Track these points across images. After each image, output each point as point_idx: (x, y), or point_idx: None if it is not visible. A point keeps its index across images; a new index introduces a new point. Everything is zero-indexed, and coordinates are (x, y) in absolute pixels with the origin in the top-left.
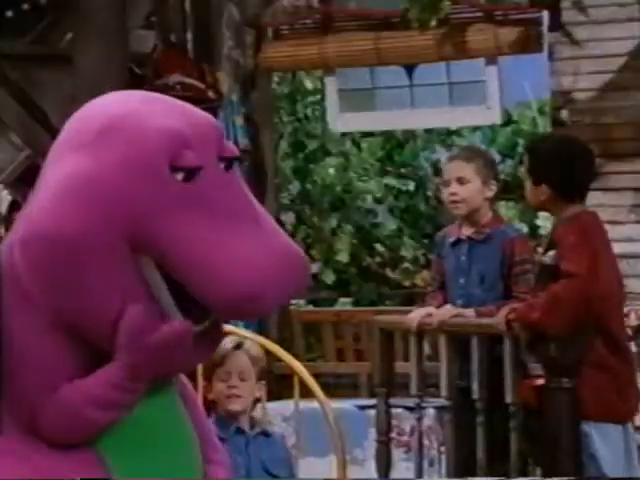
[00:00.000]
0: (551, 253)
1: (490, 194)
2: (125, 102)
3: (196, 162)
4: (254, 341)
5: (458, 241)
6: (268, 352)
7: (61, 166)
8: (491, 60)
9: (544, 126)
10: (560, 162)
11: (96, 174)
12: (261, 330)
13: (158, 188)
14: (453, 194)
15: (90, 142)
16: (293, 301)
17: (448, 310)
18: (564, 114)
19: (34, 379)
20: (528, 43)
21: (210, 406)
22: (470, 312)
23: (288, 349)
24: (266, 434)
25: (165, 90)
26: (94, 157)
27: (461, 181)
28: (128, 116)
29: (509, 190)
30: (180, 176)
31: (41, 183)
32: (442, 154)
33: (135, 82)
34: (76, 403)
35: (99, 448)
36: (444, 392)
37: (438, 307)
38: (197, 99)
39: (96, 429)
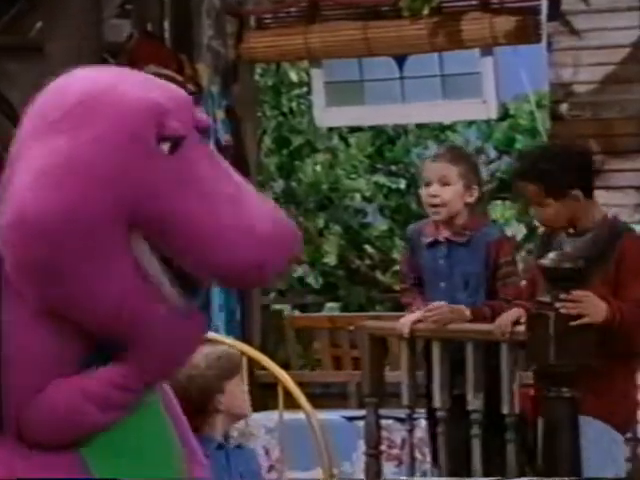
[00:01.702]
0: (552, 255)
1: (471, 200)
2: (98, 77)
3: (182, 131)
4: (235, 348)
5: (435, 242)
6: (251, 360)
7: (41, 147)
8: (486, 51)
9: (542, 121)
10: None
11: (84, 151)
12: (244, 336)
13: (149, 161)
14: (434, 196)
15: (72, 120)
16: (277, 306)
17: (441, 307)
18: (563, 108)
19: (20, 376)
20: (526, 33)
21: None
22: (465, 309)
23: (280, 357)
24: (240, 446)
25: None
26: (79, 135)
27: (443, 182)
28: (106, 90)
29: (506, 189)
30: (166, 147)
31: (18, 168)
32: (435, 150)
33: None
34: (74, 402)
35: (82, 452)
36: (437, 403)
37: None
38: None
39: (91, 430)
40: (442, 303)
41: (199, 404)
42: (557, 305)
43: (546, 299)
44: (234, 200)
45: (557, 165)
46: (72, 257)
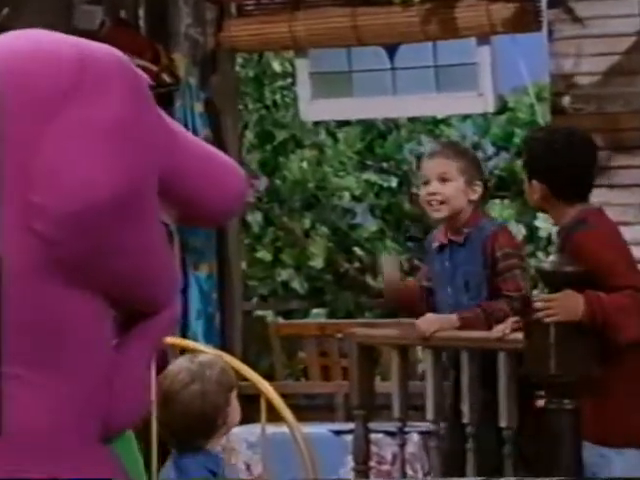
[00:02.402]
0: (552, 258)
1: (474, 197)
2: (61, 39)
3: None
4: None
5: (443, 246)
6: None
7: (67, 123)
8: (483, 40)
9: (543, 114)
10: (553, 154)
11: (119, 116)
12: (224, 345)
13: (160, 116)
14: (433, 194)
15: (84, 87)
16: (260, 312)
17: (426, 319)
18: (565, 101)
19: (87, 355)
20: (525, 21)
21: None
22: (453, 317)
23: (263, 367)
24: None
25: None
26: (103, 101)
27: (443, 179)
28: (80, 53)
29: (504, 187)
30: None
31: (42, 154)
32: (428, 146)
33: None
34: (141, 383)
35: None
36: (430, 415)
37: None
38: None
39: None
40: (428, 315)
41: (212, 420)
42: (537, 315)
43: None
44: (204, 146)
45: (538, 148)
46: (131, 228)
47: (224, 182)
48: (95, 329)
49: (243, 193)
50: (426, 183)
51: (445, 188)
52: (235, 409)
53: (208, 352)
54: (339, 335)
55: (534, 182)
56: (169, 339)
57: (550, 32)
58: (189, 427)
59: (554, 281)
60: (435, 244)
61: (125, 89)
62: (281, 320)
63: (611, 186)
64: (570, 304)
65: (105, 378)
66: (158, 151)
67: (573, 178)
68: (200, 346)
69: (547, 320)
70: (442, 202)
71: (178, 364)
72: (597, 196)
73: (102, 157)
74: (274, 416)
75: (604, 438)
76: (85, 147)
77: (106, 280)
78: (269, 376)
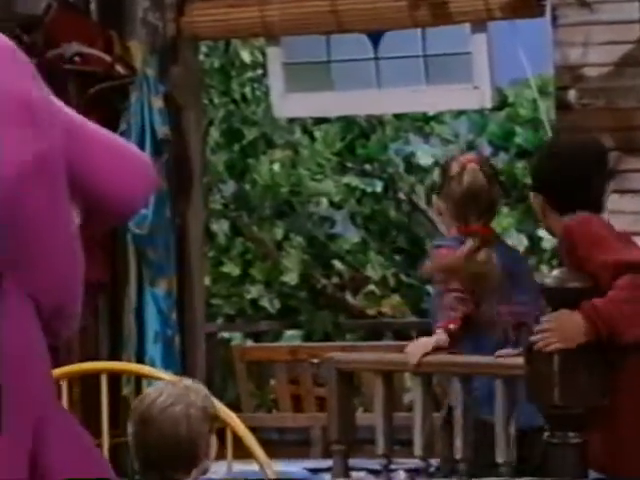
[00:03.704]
0: (555, 273)
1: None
2: None
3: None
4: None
5: None
6: None
7: None
8: (479, 27)
9: (546, 110)
10: (549, 164)
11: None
12: (186, 371)
13: (55, 102)
14: None
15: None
16: (226, 334)
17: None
18: (571, 95)
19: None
20: (526, 5)
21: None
22: (441, 336)
23: (230, 396)
24: None
25: (60, 62)
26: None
27: None
28: None
29: (503, 192)
30: None
31: None
32: (417, 146)
33: None
34: None
35: None
36: (418, 450)
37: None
38: (102, 75)
39: None
40: (421, 339)
41: (195, 448)
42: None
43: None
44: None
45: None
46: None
47: (128, 172)
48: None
49: (149, 186)
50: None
51: None
52: (214, 444)
53: (165, 379)
54: (314, 360)
55: (533, 194)
56: (122, 364)
57: (554, 18)
58: (169, 455)
59: (558, 298)
60: None
61: (26, 72)
62: (249, 343)
63: (622, 192)
64: (568, 326)
65: None
66: (59, 134)
67: (568, 190)
68: (158, 372)
69: (547, 350)
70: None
71: (158, 387)
72: (607, 203)
73: (7, 138)
74: (242, 452)
75: (613, 468)
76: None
77: (19, 259)
78: (236, 407)
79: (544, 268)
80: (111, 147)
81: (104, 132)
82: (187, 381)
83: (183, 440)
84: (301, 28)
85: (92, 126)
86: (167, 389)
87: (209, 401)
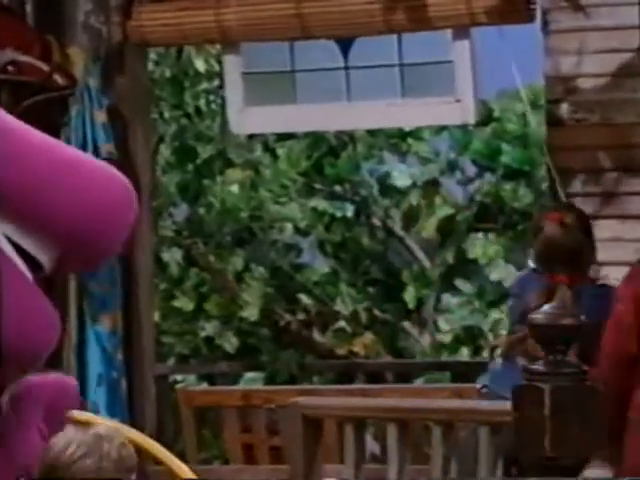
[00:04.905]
0: (546, 308)
1: None
2: None
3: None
4: (119, 435)
5: None
6: (141, 451)
7: None
8: (461, 33)
9: (537, 126)
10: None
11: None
12: (133, 419)
13: None
14: None
15: None
16: (179, 377)
17: None
18: (564, 109)
19: None
20: (514, 9)
21: None
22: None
23: (172, 446)
24: None
25: None
26: None
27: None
28: None
29: (489, 217)
30: None
31: None
32: (393, 165)
33: None
34: None
35: None
36: None
37: None
38: (38, 85)
39: None
40: None
41: None
42: None
43: (538, 367)
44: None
45: None
46: None
47: (102, 200)
48: None
49: (130, 216)
50: None
51: None
52: None
53: (109, 426)
54: (270, 405)
55: None
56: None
57: (545, 23)
58: None
59: (550, 336)
60: None
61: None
62: (205, 386)
63: (622, 217)
64: None
65: None
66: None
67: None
68: (101, 420)
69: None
70: None
71: (66, 436)
72: (605, 230)
73: None
74: None
75: None
76: None
77: None
78: (187, 459)
79: None
80: (73, 166)
81: (68, 150)
82: (99, 428)
83: None
84: (262, 34)
85: (45, 144)
86: (77, 438)
87: (126, 451)
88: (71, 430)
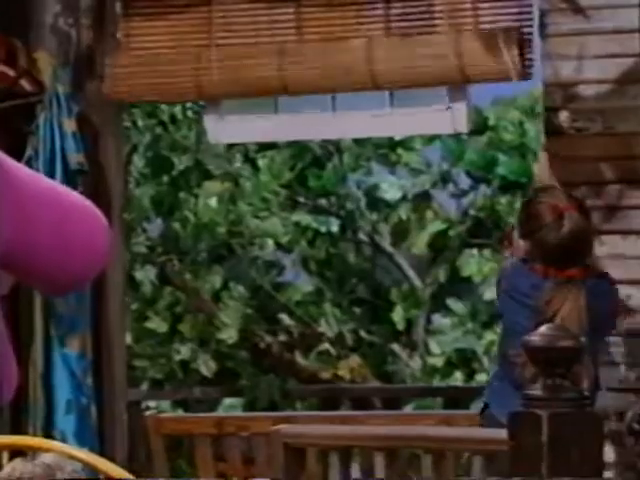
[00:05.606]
0: (543, 330)
1: None
2: None
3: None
4: (87, 465)
5: None
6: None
7: None
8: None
9: (535, 134)
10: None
11: None
12: (103, 447)
13: None
14: None
15: None
16: (152, 403)
17: None
18: (563, 118)
19: None
20: (509, 11)
21: None
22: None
23: (142, 476)
24: None
25: None
26: None
27: None
28: None
29: (484, 233)
30: None
31: None
32: (381, 177)
33: None
34: None
35: None
36: None
37: None
38: (4, 92)
39: None
40: None
41: None
42: None
43: (536, 392)
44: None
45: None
46: None
47: (79, 231)
48: None
49: (106, 246)
50: None
51: None
52: None
53: (78, 457)
54: (244, 434)
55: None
56: (26, 439)
57: (543, 26)
58: None
59: (548, 359)
60: None
61: None
62: (180, 412)
63: (624, 233)
64: None
65: None
66: None
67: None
68: (70, 448)
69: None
70: None
71: (15, 466)
72: (608, 246)
73: None
74: None
75: None
76: None
77: None
78: None
79: None
80: (51, 201)
81: (40, 180)
82: (47, 457)
83: None
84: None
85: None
86: (25, 469)
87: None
88: (18, 460)
